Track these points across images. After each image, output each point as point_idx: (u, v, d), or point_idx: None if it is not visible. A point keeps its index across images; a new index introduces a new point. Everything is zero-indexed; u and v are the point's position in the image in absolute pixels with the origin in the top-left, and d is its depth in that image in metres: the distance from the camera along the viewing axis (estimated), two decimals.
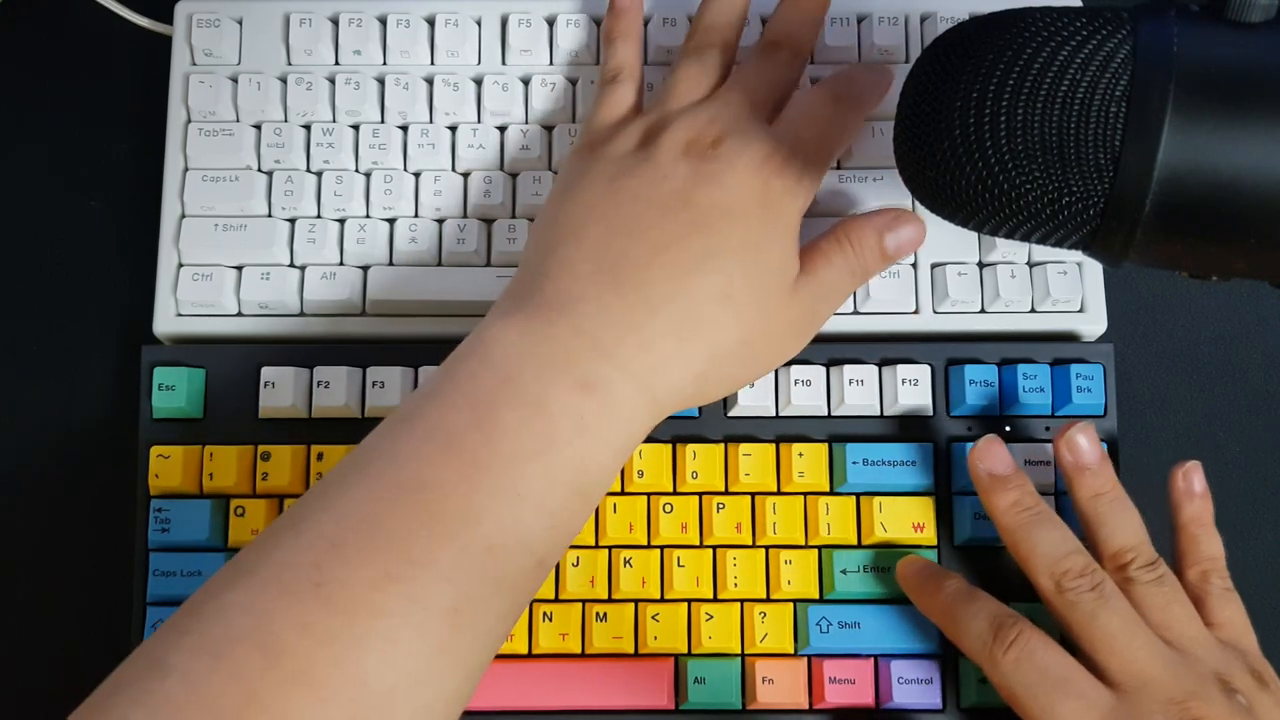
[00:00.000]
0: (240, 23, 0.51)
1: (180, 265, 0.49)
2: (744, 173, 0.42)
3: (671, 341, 0.40)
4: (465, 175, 0.50)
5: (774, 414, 0.48)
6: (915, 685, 0.46)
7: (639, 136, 0.45)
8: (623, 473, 0.47)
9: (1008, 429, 0.48)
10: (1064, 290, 0.48)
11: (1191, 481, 0.46)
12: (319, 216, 0.50)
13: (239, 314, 0.49)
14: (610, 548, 0.47)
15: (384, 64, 0.51)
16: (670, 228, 0.41)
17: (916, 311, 0.49)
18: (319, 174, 0.50)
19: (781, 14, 0.48)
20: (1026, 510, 0.44)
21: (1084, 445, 0.44)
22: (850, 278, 0.45)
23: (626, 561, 0.47)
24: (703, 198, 0.42)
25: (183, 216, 0.50)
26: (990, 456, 0.45)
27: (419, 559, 0.35)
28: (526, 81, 0.51)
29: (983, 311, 0.49)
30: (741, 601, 0.46)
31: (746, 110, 0.45)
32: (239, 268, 0.49)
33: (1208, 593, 0.44)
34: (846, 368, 0.48)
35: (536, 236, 0.44)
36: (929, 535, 0.47)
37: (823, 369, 0.48)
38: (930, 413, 0.48)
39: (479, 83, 0.51)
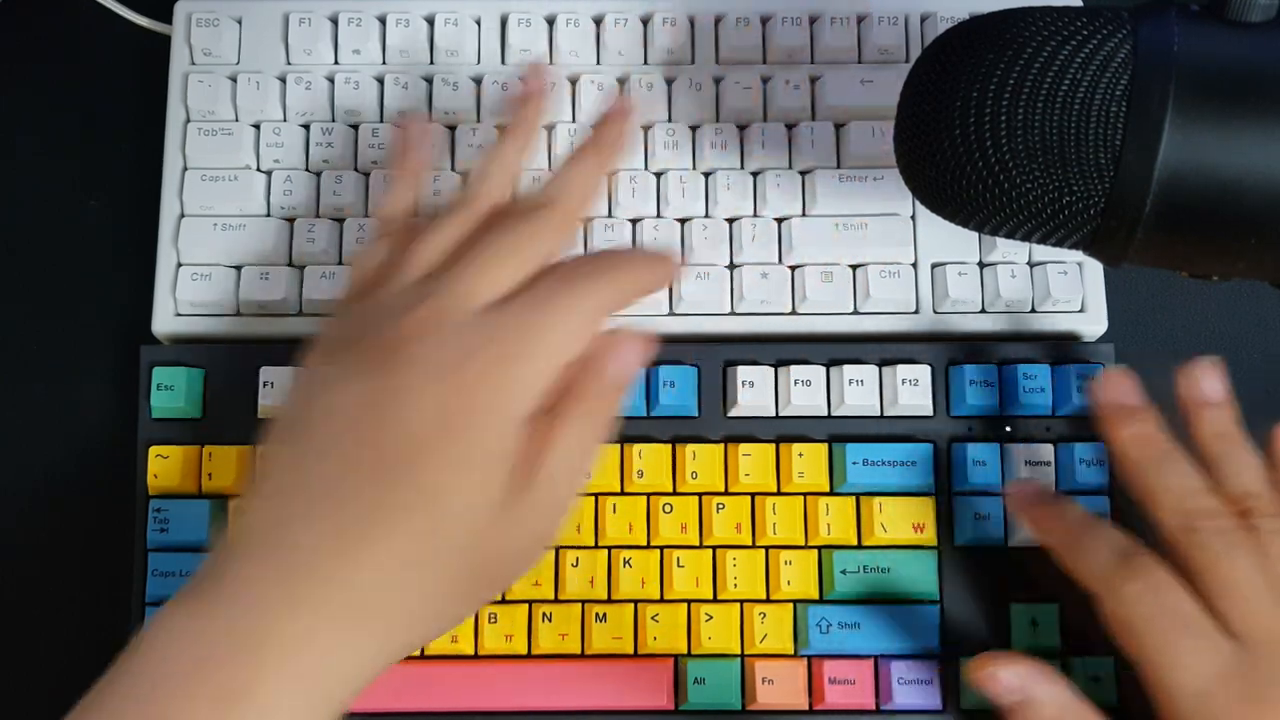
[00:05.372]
0: (240, 22, 0.51)
1: (179, 265, 0.49)
2: (428, 387, 0.35)
3: (339, 632, 0.34)
4: (464, 175, 0.50)
5: (774, 414, 0.48)
6: (915, 686, 0.46)
7: (349, 327, 0.38)
8: (622, 473, 0.47)
9: (1008, 429, 0.48)
10: (1064, 290, 0.48)
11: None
12: (318, 216, 0.50)
13: (238, 314, 0.49)
14: (610, 548, 0.47)
15: (384, 64, 0.51)
16: (344, 478, 0.35)
17: (916, 311, 0.49)
18: (318, 174, 0.50)
19: (561, 174, 0.41)
20: (1155, 444, 0.42)
21: (1209, 381, 0.43)
22: (592, 434, 0.38)
23: (626, 562, 0.46)
24: (373, 433, 0.35)
25: (182, 216, 0.50)
26: (1118, 388, 0.44)
27: None
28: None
29: (983, 311, 0.49)
30: (741, 602, 0.46)
31: (463, 293, 0.37)
32: (238, 267, 0.49)
33: None
34: (846, 368, 0.48)
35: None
36: (929, 536, 0.47)
37: (823, 369, 0.48)
38: (930, 413, 0.48)
39: (479, 82, 0.51)
